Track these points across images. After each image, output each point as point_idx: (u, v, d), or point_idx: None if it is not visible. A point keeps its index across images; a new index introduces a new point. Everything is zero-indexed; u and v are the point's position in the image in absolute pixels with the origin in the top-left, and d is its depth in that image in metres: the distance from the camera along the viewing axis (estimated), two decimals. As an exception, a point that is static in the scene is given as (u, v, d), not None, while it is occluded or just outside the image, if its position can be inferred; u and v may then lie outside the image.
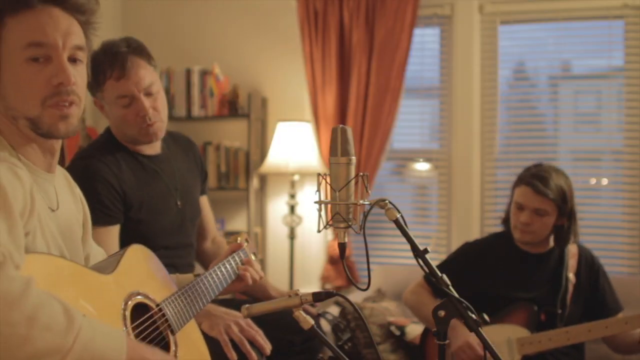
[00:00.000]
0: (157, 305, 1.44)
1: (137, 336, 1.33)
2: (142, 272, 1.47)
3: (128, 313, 1.32)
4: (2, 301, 0.96)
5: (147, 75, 2.00)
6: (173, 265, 1.95)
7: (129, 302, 1.35)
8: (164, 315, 1.44)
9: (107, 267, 1.37)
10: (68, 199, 1.44)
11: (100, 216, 1.88)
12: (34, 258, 1.14)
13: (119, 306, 1.31)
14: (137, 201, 2.02)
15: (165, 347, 1.42)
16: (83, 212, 1.50)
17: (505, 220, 2.62)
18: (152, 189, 2.08)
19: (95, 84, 1.99)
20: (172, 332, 1.45)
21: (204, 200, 2.34)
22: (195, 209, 2.25)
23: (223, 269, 1.76)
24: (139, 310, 1.38)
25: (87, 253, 1.52)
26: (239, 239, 1.90)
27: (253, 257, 1.90)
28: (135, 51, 2.00)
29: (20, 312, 0.97)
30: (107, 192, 1.95)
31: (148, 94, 2.00)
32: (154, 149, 2.14)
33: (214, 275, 1.71)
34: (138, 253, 1.50)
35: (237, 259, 1.83)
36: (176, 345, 1.44)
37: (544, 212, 2.45)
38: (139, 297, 1.39)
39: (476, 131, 3.80)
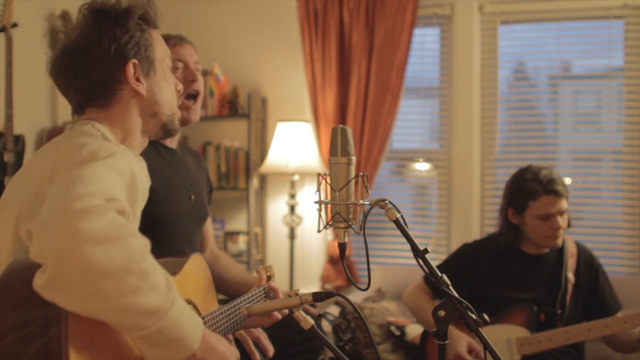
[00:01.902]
0: (202, 318, 1.46)
1: None
2: (197, 282, 1.51)
3: None
4: (126, 250, 1.05)
5: (196, 57, 2.20)
6: None
7: None
8: None
9: (170, 268, 1.41)
10: None
11: None
12: None
13: None
14: (153, 183, 2.03)
15: None
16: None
17: (509, 235, 2.57)
18: (168, 177, 2.11)
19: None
20: None
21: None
22: (204, 211, 2.28)
23: (260, 297, 1.80)
24: None
25: None
26: (268, 272, 1.93)
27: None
28: (189, 40, 2.22)
29: (138, 264, 1.06)
30: None
31: (197, 69, 2.17)
32: (173, 142, 2.20)
33: (251, 300, 1.74)
34: (198, 262, 1.55)
35: (262, 290, 1.87)
36: None
37: (565, 210, 2.47)
38: (190, 306, 1.41)
39: (476, 131, 3.80)
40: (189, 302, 1.42)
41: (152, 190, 2.03)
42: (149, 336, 1.09)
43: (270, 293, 1.88)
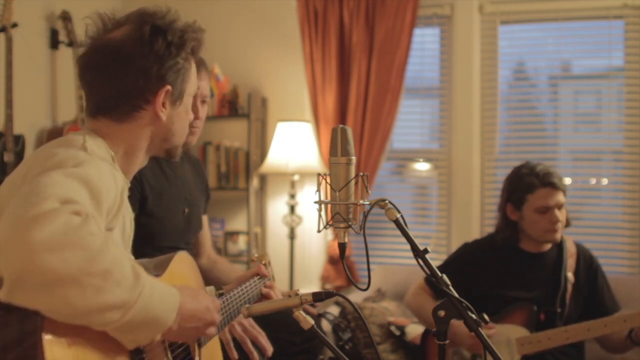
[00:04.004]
0: None
1: (169, 344, 1.35)
2: (184, 280, 1.50)
3: None
4: (83, 253, 1.03)
5: (207, 87, 2.18)
6: None
7: None
8: None
9: (156, 268, 1.41)
10: (127, 206, 1.48)
11: None
12: None
13: None
14: (152, 195, 2.07)
15: None
16: (130, 219, 1.53)
17: (506, 231, 2.58)
18: (166, 189, 2.13)
19: None
20: (199, 345, 1.47)
21: (204, 219, 2.39)
22: (198, 222, 2.30)
23: (253, 289, 1.81)
24: None
25: None
26: (263, 261, 1.96)
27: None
28: (204, 63, 2.14)
29: (99, 264, 1.04)
30: None
31: (203, 101, 2.16)
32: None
33: (244, 294, 1.75)
34: (184, 260, 1.54)
35: (260, 280, 1.89)
36: (200, 358, 1.46)
37: (563, 204, 2.48)
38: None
39: (476, 131, 3.80)
40: None
41: (151, 203, 2.05)
42: (118, 327, 1.09)
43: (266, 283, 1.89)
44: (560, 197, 2.47)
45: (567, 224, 2.54)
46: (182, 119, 1.48)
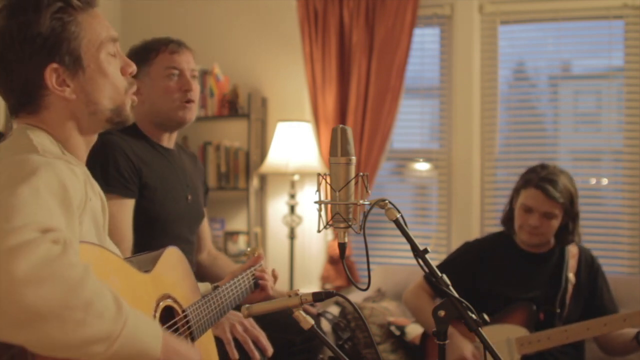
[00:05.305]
0: (183, 310, 1.45)
1: None
2: (175, 275, 1.49)
3: (158, 315, 1.34)
4: (63, 286, 1.00)
5: (193, 63, 2.22)
6: None
7: (160, 304, 1.36)
8: (187, 321, 1.45)
9: (145, 264, 1.38)
10: (95, 194, 1.43)
11: (118, 186, 1.98)
12: (87, 248, 1.17)
13: (151, 307, 1.33)
14: (151, 182, 2.07)
15: None
16: (101, 202, 1.48)
17: (506, 221, 2.61)
18: (166, 176, 2.14)
19: (143, 61, 2.14)
20: (192, 339, 1.46)
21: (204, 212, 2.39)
22: (201, 211, 2.31)
23: (245, 281, 1.82)
24: (166, 313, 1.40)
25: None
26: (255, 253, 1.97)
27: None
28: (182, 44, 2.21)
29: (79, 297, 1.01)
30: (126, 164, 2.02)
31: (192, 76, 2.19)
32: (171, 143, 2.23)
33: (236, 286, 1.76)
34: (174, 256, 1.52)
35: (252, 273, 1.90)
36: None
37: (552, 215, 2.46)
38: (169, 300, 1.41)
39: (476, 131, 3.80)
40: (168, 296, 1.40)
41: (151, 189, 2.06)
42: None
43: (258, 281, 1.89)
44: (551, 208, 2.44)
45: (568, 240, 2.52)
46: (100, 83, 1.32)
